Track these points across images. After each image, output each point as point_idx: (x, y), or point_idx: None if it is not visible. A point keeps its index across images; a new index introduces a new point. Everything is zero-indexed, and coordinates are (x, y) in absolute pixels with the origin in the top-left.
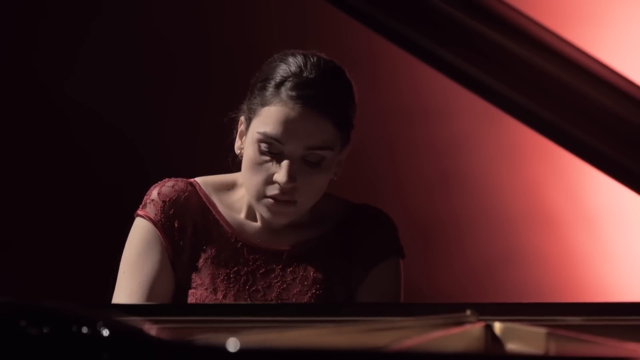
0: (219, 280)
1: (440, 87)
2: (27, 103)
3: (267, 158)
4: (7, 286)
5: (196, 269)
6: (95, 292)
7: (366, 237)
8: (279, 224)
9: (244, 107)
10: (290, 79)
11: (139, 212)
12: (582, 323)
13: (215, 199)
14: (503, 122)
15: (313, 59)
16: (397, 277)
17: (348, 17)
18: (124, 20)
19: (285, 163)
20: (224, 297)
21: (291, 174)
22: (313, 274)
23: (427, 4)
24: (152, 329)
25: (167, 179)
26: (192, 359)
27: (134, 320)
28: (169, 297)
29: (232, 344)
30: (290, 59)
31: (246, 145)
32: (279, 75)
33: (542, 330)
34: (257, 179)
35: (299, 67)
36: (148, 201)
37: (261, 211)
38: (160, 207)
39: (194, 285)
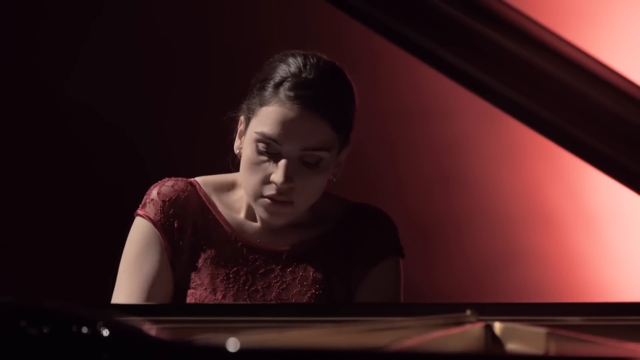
0: (218, 280)
1: (440, 87)
2: (27, 103)
3: (265, 158)
4: (7, 286)
5: (195, 269)
6: (95, 292)
7: (366, 236)
8: (277, 224)
9: (244, 106)
10: (289, 79)
11: (139, 211)
12: (582, 323)
13: (215, 198)
14: (503, 122)
15: (313, 59)
16: (396, 277)
17: (348, 17)
18: (124, 20)
19: (282, 163)
20: (223, 297)
21: (288, 175)
22: (312, 274)
23: (427, 4)
24: (151, 329)
25: (166, 179)
26: (192, 359)
27: (134, 320)
28: (168, 297)
29: (232, 344)
30: (290, 60)
31: (244, 145)
32: (278, 75)
33: (542, 330)
34: (255, 178)
35: (299, 67)
36: (148, 201)
37: (258, 211)
38: (160, 207)
39: (193, 285)
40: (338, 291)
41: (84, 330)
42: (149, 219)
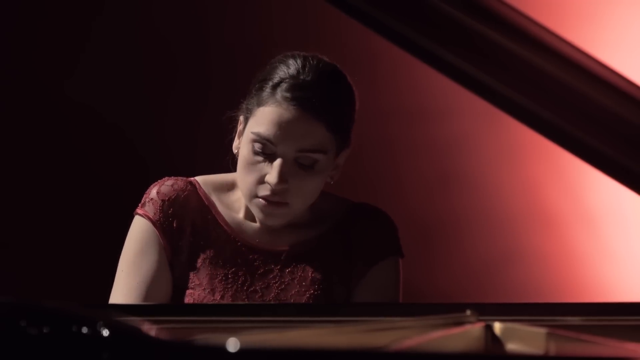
0: (216, 280)
1: (440, 87)
2: (27, 103)
3: (261, 158)
4: (7, 286)
5: (194, 269)
6: (95, 292)
7: (366, 236)
8: (273, 225)
9: (243, 106)
10: (287, 80)
11: (138, 210)
12: (582, 323)
13: (214, 198)
14: (503, 122)
15: (313, 61)
16: (396, 277)
17: (348, 17)
18: (124, 20)
19: (276, 164)
20: (222, 297)
21: (282, 176)
22: (311, 274)
23: (427, 4)
24: (151, 329)
25: (166, 178)
26: (192, 359)
27: (134, 320)
28: (167, 296)
29: (232, 344)
30: (290, 61)
31: (242, 145)
32: (277, 76)
33: (542, 330)
34: (250, 178)
35: (297, 69)
36: (147, 200)
37: (254, 211)
38: (159, 207)
39: (191, 285)
40: (337, 291)
41: (84, 330)
42: (148, 218)
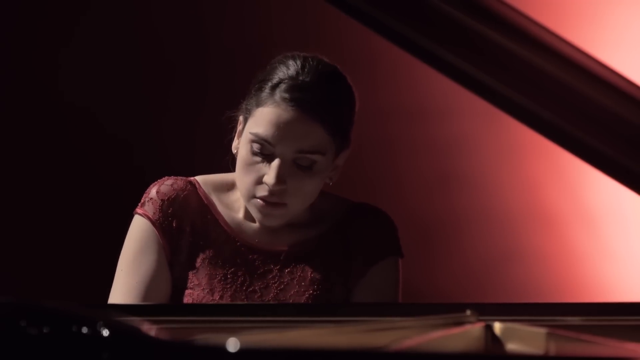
0: (216, 280)
1: (440, 87)
2: (25, 103)
3: (259, 159)
4: (7, 286)
5: (194, 269)
6: (95, 292)
7: (366, 236)
8: (272, 226)
9: (243, 106)
10: (286, 81)
11: (138, 210)
12: (582, 323)
13: (214, 198)
14: (503, 122)
15: (312, 62)
16: (395, 277)
17: (348, 17)
18: (122, 20)
19: (274, 165)
20: (221, 297)
21: (280, 176)
22: (311, 274)
23: (427, 4)
24: (151, 329)
25: (166, 177)
26: (192, 359)
27: (134, 320)
28: (166, 296)
29: (232, 344)
30: (290, 62)
31: (240, 145)
32: (276, 77)
33: (542, 330)
34: (248, 179)
35: (297, 70)
36: (147, 199)
37: (252, 212)
38: (159, 206)
39: (190, 285)
40: (337, 291)
41: (84, 330)
42: (148, 218)
